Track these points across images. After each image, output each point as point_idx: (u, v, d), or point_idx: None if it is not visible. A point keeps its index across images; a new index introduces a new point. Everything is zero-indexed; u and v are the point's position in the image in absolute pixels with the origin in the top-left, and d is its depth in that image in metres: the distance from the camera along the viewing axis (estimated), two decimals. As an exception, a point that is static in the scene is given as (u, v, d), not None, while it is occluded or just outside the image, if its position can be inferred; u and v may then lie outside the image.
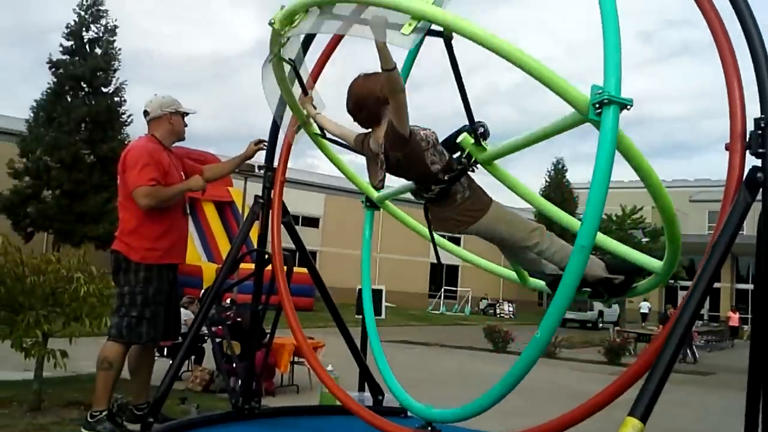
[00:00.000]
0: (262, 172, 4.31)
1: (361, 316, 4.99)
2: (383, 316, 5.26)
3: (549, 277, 3.17)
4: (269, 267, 3.92)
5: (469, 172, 3.08)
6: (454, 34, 2.73)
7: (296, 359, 9.53)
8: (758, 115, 2.71)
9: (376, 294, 5.15)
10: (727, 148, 2.81)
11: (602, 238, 3.24)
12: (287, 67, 3.33)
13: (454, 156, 3.07)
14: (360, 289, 5.01)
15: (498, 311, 41.46)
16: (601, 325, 33.07)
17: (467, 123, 2.99)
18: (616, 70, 2.30)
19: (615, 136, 2.33)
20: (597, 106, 2.28)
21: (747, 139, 2.73)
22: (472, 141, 2.92)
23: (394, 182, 3.43)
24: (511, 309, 41.70)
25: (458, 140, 2.94)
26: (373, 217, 4.21)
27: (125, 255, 4.23)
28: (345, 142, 3.40)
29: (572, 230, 3.35)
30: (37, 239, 24.55)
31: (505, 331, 19.48)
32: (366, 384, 4.57)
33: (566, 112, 2.53)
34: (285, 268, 3.83)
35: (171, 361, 9.03)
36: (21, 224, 24.34)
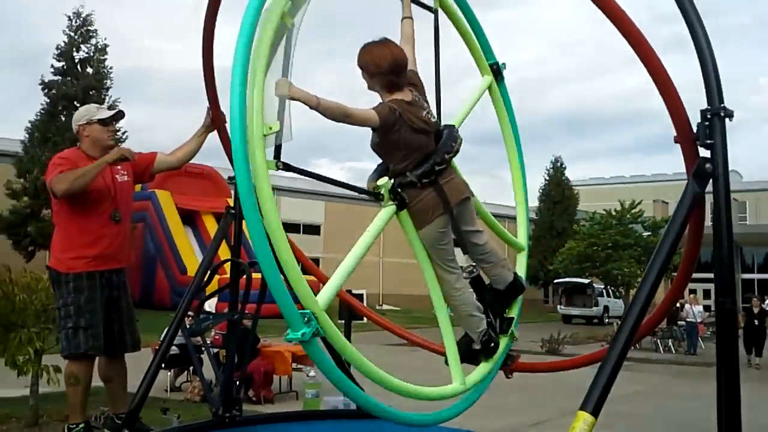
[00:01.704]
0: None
1: (343, 321, 5.05)
2: (365, 320, 5.29)
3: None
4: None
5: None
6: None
7: (296, 366, 9.56)
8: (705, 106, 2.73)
9: (356, 298, 5.19)
10: (676, 141, 2.84)
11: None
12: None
13: None
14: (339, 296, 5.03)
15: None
16: (607, 320, 33.01)
17: None
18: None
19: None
20: None
21: (695, 131, 2.76)
22: None
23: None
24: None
25: None
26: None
27: (56, 269, 4.16)
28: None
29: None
30: (40, 257, 24.63)
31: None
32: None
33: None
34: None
35: (167, 372, 9.01)
36: (21, 243, 24.46)
